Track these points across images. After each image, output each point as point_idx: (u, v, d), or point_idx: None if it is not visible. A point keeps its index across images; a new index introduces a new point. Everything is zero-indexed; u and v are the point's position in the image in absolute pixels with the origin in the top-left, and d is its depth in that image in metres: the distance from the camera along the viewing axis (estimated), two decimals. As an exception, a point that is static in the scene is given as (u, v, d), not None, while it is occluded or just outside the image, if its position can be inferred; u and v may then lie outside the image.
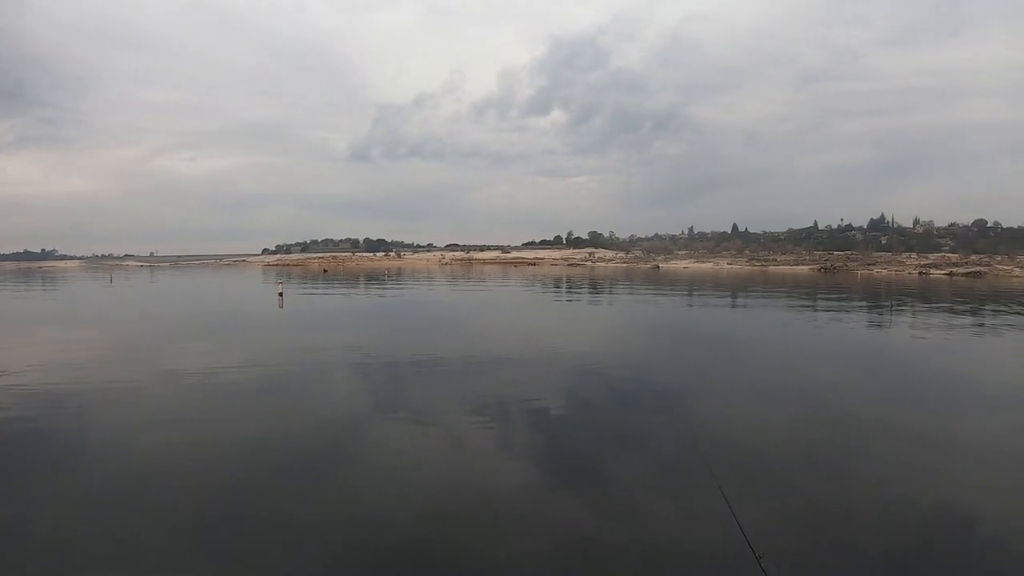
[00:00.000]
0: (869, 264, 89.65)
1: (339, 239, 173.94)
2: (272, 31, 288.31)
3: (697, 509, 7.25)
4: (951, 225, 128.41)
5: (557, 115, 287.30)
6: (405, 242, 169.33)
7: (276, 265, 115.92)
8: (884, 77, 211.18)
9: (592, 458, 9.14)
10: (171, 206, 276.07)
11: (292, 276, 73.59)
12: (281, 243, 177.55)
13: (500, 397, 12.62)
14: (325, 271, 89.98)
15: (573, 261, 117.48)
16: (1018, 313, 31.17)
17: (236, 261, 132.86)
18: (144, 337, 21.80)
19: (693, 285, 55.61)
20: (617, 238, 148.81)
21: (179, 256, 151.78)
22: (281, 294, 37.43)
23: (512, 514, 7.29)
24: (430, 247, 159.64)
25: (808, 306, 35.45)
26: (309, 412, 11.64)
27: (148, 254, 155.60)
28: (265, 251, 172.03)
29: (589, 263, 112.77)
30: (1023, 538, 6.75)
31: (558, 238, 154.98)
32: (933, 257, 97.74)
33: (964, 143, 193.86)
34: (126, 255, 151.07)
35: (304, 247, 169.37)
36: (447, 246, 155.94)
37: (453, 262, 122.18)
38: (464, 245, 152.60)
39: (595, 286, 54.35)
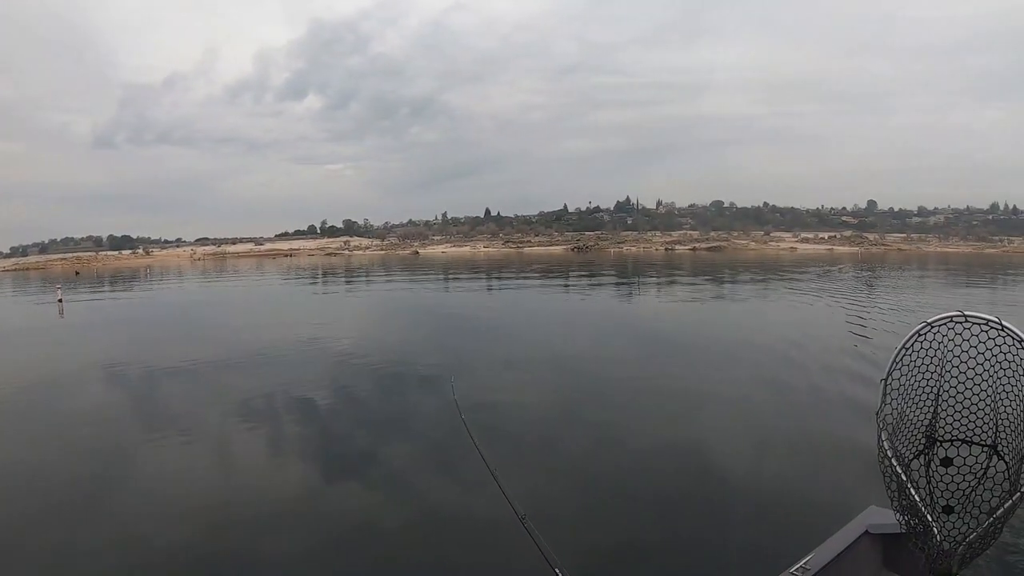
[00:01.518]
0: (619, 243, 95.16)
1: (80, 237, 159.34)
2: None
3: (468, 480, 7.36)
4: (691, 206, 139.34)
5: (313, 100, 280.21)
6: (152, 238, 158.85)
7: (13, 270, 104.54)
8: (635, 73, 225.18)
9: (366, 443, 9.36)
10: None
11: (38, 281, 65.38)
12: (16, 244, 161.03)
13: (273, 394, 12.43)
14: (78, 273, 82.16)
15: (330, 250, 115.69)
16: (754, 281, 35.60)
17: None
18: None
19: (451, 269, 56.55)
20: (372, 226, 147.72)
21: None
22: (61, 300, 34.01)
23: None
24: (179, 242, 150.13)
25: (563, 284, 37.72)
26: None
27: None
28: None
29: (346, 252, 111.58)
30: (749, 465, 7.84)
31: (312, 227, 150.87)
32: (676, 234, 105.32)
33: (704, 133, 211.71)
34: None
35: (42, 248, 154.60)
36: (197, 240, 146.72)
37: (205, 257, 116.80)
38: (215, 239, 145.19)
39: (353, 275, 54.23)
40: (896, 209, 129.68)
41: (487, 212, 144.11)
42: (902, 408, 2.40)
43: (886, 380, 2.35)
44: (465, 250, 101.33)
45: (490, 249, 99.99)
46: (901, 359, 2.37)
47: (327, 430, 9.99)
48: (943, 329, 2.32)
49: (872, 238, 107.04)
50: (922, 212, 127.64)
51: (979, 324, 2.25)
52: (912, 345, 2.35)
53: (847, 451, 7.80)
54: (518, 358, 14.88)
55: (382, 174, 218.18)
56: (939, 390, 2.35)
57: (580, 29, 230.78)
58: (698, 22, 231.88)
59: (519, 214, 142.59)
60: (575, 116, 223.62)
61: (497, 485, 3.39)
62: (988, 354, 2.25)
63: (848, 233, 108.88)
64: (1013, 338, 2.21)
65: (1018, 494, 2.20)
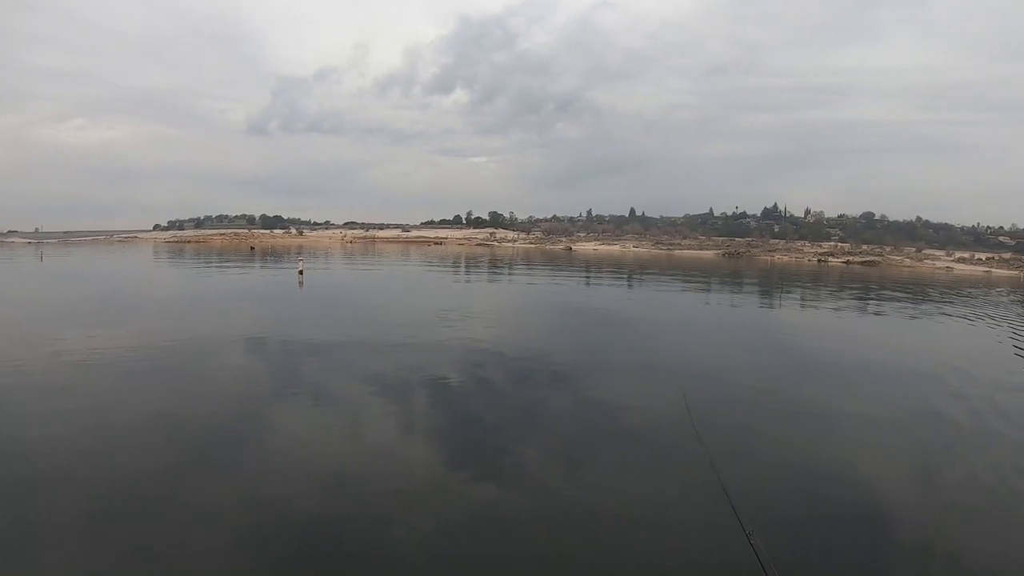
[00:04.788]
0: (770, 251, 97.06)
1: (234, 215, 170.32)
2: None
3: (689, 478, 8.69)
4: (840, 216, 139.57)
5: (460, 94, 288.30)
6: (302, 219, 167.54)
7: (172, 242, 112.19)
8: (786, 74, 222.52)
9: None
10: (58, 179, 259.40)
11: (206, 255, 71.78)
12: (174, 219, 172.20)
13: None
14: (253, 248, 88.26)
15: (478, 241, 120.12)
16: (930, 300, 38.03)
17: (127, 238, 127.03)
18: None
19: (625, 268, 60.37)
20: (517, 219, 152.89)
21: (67, 232, 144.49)
22: (301, 272, 38.77)
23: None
24: (327, 224, 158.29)
25: (763, 292, 41.63)
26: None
27: (33, 230, 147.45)
28: (157, 227, 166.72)
29: (492, 243, 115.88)
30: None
31: (457, 217, 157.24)
32: (827, 246, 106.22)
33: (854, 139, 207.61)
34: (9, 231, 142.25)
35: (198, 223, 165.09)
36: (345, 224, 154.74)
37: (355, 240, 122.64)
38: (363, 223, 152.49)
39: (538, 267, 57.79)
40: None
41: (632, 212, 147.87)
42: None
43: None
44: (615, 248, 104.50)
45: (640, 249, 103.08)
46: None
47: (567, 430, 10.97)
48: None
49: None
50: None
51: None
52: None
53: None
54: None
55: (525, 168, 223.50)
56: None
57: (730, 28, 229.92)
58: (855, 22, 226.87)
59: (664, 215, 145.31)
60: (722, 118, 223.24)
61: (727, 497, 3.79)
62: None
63: (1008, 255, 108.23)
64: None
65: None
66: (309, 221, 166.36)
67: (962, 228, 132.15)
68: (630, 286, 40.60)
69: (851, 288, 45.42)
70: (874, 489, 8.81)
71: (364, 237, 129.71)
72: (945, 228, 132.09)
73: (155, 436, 9.86)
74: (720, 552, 6.56)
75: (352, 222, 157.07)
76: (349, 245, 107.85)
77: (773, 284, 47.03)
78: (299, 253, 54.11)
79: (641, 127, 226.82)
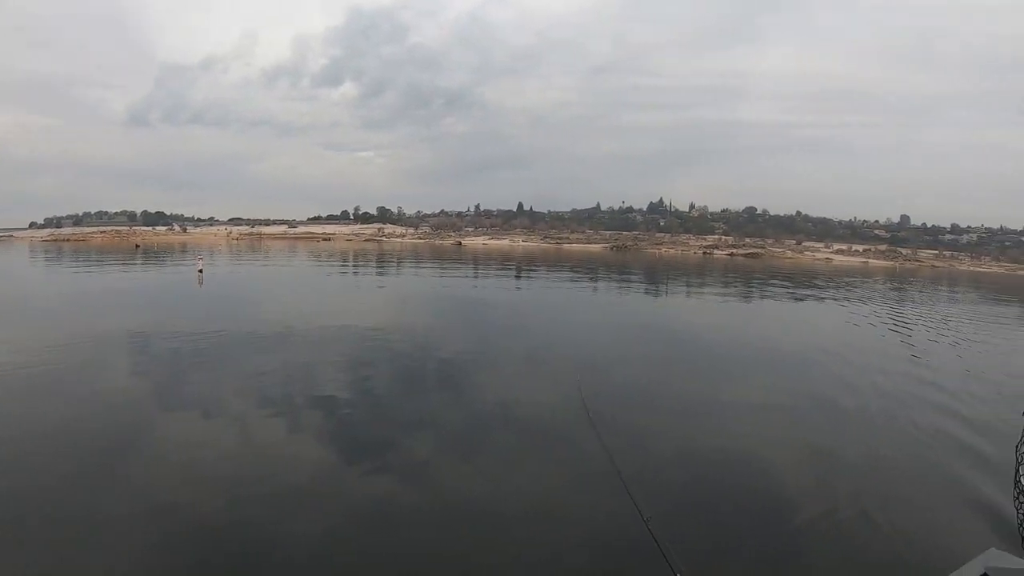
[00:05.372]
0: (656, 244, 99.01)
1: (115, 212, 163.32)
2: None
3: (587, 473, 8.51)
4: (724, 211, 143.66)
5: (349, 87, 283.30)
6: (185, 215, 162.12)
7: (50, 240, 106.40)
8: (672, 75, 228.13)
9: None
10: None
11: (84, 254, 63.89)
12: (51, 216, 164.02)
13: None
14: (138, 247, 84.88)
15: (366, 236, 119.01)
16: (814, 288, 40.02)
17: (2, 237, 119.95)
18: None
19: (514, 262, 60.48)
20: (405, 214, 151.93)
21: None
22: (201, 271, 37.25)
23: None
24: (212, 221, 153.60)
25: (651, 284, 42.88)
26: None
27: None
28: (33, 225, 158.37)
29: (381, 239, 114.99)
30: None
31: (345, 213, 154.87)
32: (711, 239, 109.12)
33: (738, 139, 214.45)
34: None
35: (76, 221, 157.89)
36: (230, 220, 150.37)
37: (241, 237, 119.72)
38: (248, 219, 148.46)
39: (427, 263, 57.15)
40: (929, 225, 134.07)
41: (520, 206, 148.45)
42: None
43: None
44: (504, 243, 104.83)
45: (529, 243, 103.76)
46: None
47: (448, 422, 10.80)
48: None
49: (905, 253, 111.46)
50: (955, 230, 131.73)
51: None
52: None
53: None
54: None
55: (413, 163, 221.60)
56: None
57: (617, 28, 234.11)
58: (739, 26, 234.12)
59: (552, 210, 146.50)
60: (609, 116, 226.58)
61: (623, 484, 3.88)
62: None
63: (883, 247, 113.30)
64: None
65: None
66: (193, 218, 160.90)
67: (840, 222, 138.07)
68: (520, 280, 40.20)
69: (736, 279, 46.75)
70: (763, 471, 9.07)
71: (250, 234, 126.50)
72: (823, 222, 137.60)
73: (47, 446, 9.19)
74: (620, 538, 6.54)
75: (237, 218, 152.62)
76: (235, 242, 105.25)
77: (661, 276, 47.76)
78: (197, 252, 52.39)
79: (529, 123, 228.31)
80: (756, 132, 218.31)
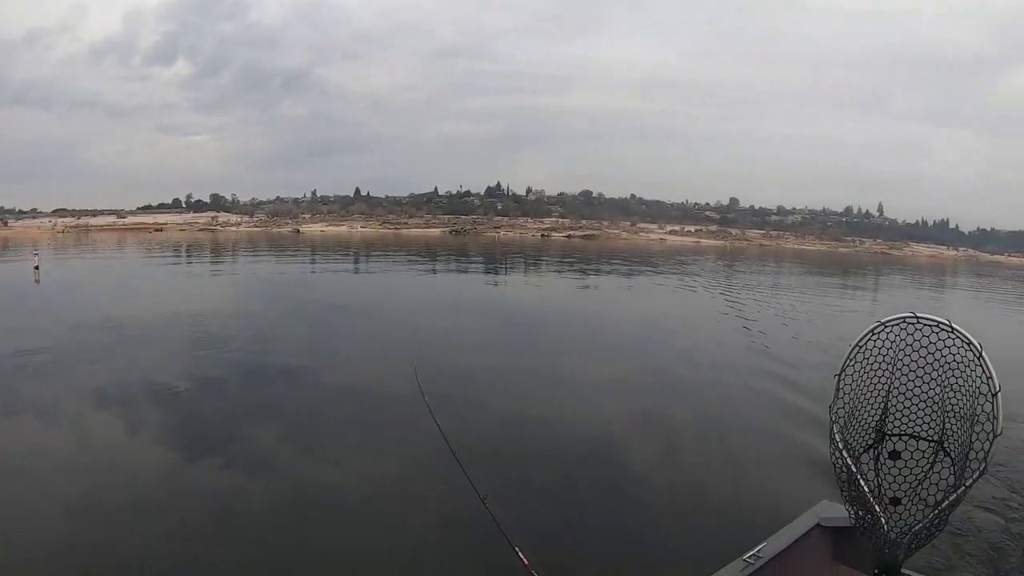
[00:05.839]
0: (495, 227, 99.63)
1: None
2: None
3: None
4: (560, 194, 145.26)
5: (182, 66, 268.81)
6: (5, 207, 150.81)
7: None
8: (513, 61, 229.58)
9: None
10: None
11: None
12: None
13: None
14: None
15: (200, 226, 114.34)
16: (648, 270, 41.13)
17: None
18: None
19: (353, 248, 59.36)
20: (240, 201, 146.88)
21: None
22: (37, 267, 34.04)
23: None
24: (35, 213, 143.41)
25: (489, 266, 43.14)
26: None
27: None
28: None
29: (216, 228, 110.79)
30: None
31: (177, 201, 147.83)
32: (549, 221, 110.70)
33: (577, 125, 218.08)
34: None
35: None
36: (55, 211, 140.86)
37: (67, 230, 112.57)
38: (74, 210, 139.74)
39: (264, 252, 55.45)
40: (757, 207, 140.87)
41: (357, 191, 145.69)
42: (855, 403, 2.61)
43: (840, 376, 2.57)
44: (342, 229, 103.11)
45: (367, 229, 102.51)
46: (854, 356, 2.58)
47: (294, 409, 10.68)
48: (896, 329, 2.49)
49: (735, 233, 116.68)
50: (781, 211, 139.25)
51: (930, 325, 2.41)
52: (865, 343, 2.55)
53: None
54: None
55: (248, 148, 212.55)
56: (890, 387, 2.54)
57: (462, 13, 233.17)
58: (582, 16, 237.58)
59: (390, 195, 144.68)
60: (449, 100, 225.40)
61: (459, 466, 3.77)
62: (938, 354, 2.40)
63: (713, 228, 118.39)
64: (962, 340, 2.35)
65: (962, 488, 2.34)
66: (14, 209, 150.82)
67: (672, 204, 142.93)
68: (358, 267, 39.50)
69: (574, 260, 47.63)
70: (603, 442, 9.26)
71: (77, 226, 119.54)
72: (657, 204, 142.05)
73: None
74: (460, 518, 6.35)
75: (62, 209, 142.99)
76: (60, 235, 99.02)
77: (500, 259, 48.30)
78: (35, 250, 48.70)
79: (370, 107, 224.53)
80: (594, 118, 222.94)
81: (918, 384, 2.50)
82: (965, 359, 2.37)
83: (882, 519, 2.48)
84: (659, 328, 18.77)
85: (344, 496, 7.47)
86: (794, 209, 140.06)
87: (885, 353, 2.52)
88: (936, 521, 2.43)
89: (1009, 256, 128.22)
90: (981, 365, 2.31)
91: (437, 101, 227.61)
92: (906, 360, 2.50)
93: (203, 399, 11.27)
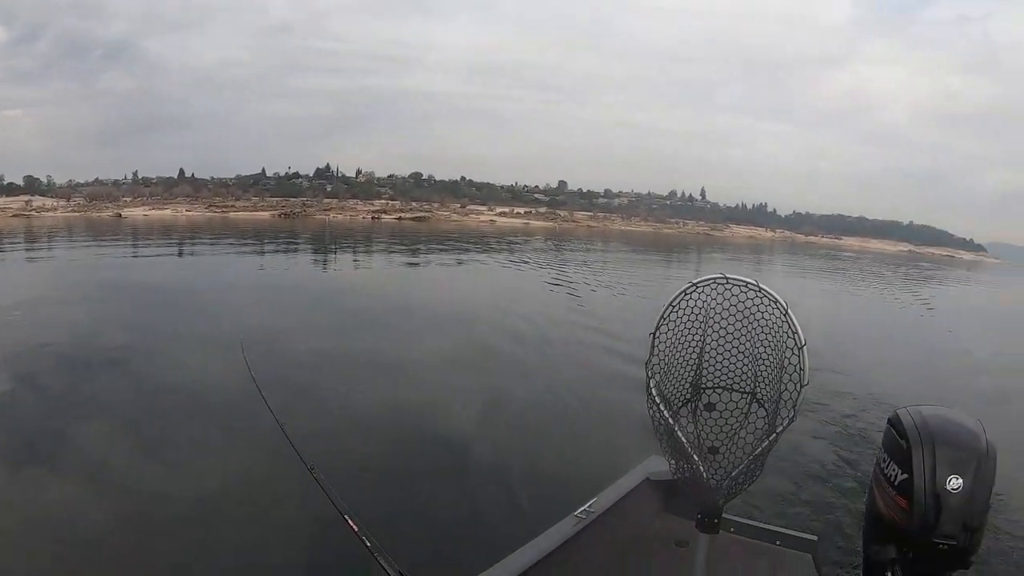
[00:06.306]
0: (325, 210, 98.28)
1: None
2: None
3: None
4: (390, 176, 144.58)
5: None
6: None
7: None
8: (348, 40, 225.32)
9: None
10: None
11: None
12: None
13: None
14: None
15: (13, 212, 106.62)
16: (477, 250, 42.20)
17: None
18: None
19: (177, 233, 58.24)
20: (55, 184, 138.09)
21: None
22: None
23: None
24: None
25: (320, 250, 43.54)
26: None
27: None
28: None
29: (30, 213, 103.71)
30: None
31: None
32: (379, 204, 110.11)
33: (411, 106, 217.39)
34: None
35: None
36: None
37: None
38: None
39: (81, 239, 52.33)
40: (585, 190, 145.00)
41: (181, 172, 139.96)
42: (670, 360, 2.66)
43: (655, 334, 2.62)
44: (167, 213, 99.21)
45: (193, 213, 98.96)
46: (668, 315, 2.64)
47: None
48: (707, 289, 2.57)
49: (563, 215, 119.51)
50: (608, 194, 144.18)
51: (739, 285, 2.52)
52: (679, 303, 2.61)
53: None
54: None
55: (65, 125, 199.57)
56: (704, 344, 2.63)
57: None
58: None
59: (216, 176, 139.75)
60: (281, 78, 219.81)
61: (285, 435, 3.53)
62: (747, 312, 2.52)
63: (543, 209, 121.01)
64: (768, 298, 2.48)
65: (774, 435, 2.48)
66: None
67: (502, 187, 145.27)
68: (183, 252, 38.76)
69: (405, 242, 48.01)
70: (440, 422, 9.31)
71: None
72: (487, 186, 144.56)
73: None
74: (292, 491, 6.18)
75: None
76: None
77: (329, 242, 48.55)
78: None
79: (195, 82, 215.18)
80: (426, 100, 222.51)
81: (730, 340, 2.59)
82: (773, 316, 2.48)
83: (700, 467, 2.58)
84: (492, 307, 18.98)
85: (179, 500, 7.00)
86: (621, 192, 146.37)
87: (698, 312, 2.60)
88: (752, 467, 2.56)
89: (822, 237, 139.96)
90: (787, 321, 2.44)
91: (267, 79, 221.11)
92: (717, 318, 2.58)
93: (15, 399, 10.43)
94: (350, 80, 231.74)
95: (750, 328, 2.52)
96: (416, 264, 32.88)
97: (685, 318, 2.60)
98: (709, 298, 2.55)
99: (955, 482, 2.39)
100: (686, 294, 2.57)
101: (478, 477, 7.39)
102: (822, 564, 3.88)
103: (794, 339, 2.39)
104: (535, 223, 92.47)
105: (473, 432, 8.73)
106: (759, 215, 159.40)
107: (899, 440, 2.44)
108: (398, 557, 2.17)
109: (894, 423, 2.49)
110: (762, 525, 4.11)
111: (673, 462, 2.75)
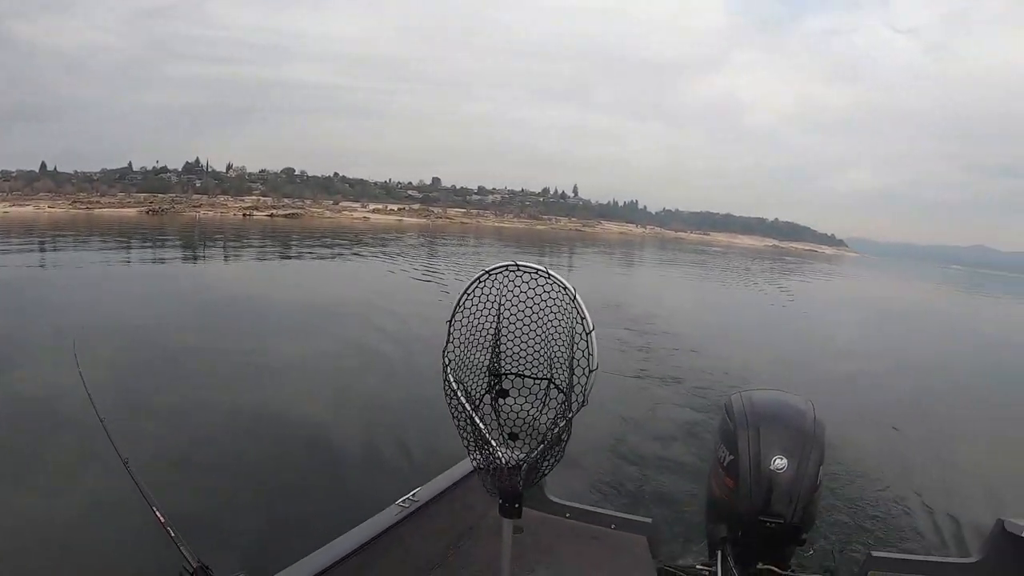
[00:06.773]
0: (195, 206, 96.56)
1: None
2: None
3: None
4: (262, 171, 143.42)
5: None
6: None
7: None
8: (223, 27, 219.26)
9: None
10: None
11: None
12: None
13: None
14: None
15: None
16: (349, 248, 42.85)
17: None
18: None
19: (38, 232, 54.65)
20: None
21: None
22: None
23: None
24: None
25: (188, 248, 42.40)
26: None
27: None
28: None
29: None
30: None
31: None
32: (250, 200, 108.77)
33: (285, 99, 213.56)
34: None
35: None
36: None
37: None
38: None
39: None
40: (458, 187, 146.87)
41: (43, 166, 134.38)
42: (468, 348, 2.69)
43: (450, 322, 2.65)
44: (28, 210, 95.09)
45: (56, 209, 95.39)
46: (464, 303, 2.64)
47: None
48: (500, 277, 2.57)
49: (437, 211, 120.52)
50: (481, 191, 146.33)
51: (530, 272, 2.51)
52: (473, 291, 2.62)
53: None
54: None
55: None
56: (499, 331, 2.66)
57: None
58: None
59: (80, 170, 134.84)
60: (152, 65, 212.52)
61: (104, 430, 3.44)
62: (538, 299, 2.50)
63: (416, 206, 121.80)
64: (558, 285, 2.48)
65: (571, 415, 2.51)
66: None
67: (375, 183, 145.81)
68: (45, 252, 36.69)
69: (277, 239, 48.03)
70: (308, 423, 9.23)
71: None
72: (360, 183, 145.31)
73: None
74: (110, 487, 5.59)
75: None
76: None
77: (198, 240, 48.12)
78: None
79: (62, 68, 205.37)
80: (303, 91, 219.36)
81: (526, 327, 2.62)
82: (563, 302, 2.49)
83: (499, 453, 2.62)
84: (363, 305, 19.21)
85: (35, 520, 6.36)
86: (494, 189, 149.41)
87: (493, 299, 2.61)
88: (548, 451, 2.61)
89: (691, 233, 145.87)
90: (576, 307, 2.44)
91: (137, 66, 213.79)
92: (509, 306, 2.60)
93: None
94: (226, 69, 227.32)
95: (543, 315, 2.55)
96: (288, 263, 33.12)
97: (480, 306, 2.62)
98: (502, 286, 2.58)
99: (779, 462, 2.83)
100: (480, 282, 2.59)
101: (308, 471, 7.50)
102: (658, 545, 4.19)
103: (582, 324, 2.43)
104: (408, 220, 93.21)
105: (313, 425, 8.87)
106: (631, 212, 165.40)
107: (728, 423, 2.91)
108: (201, 546, 2.41)
109: (727, 407, 2.93)
110: (598, 510, 4.44)
111: (471, 449, 2.77)
